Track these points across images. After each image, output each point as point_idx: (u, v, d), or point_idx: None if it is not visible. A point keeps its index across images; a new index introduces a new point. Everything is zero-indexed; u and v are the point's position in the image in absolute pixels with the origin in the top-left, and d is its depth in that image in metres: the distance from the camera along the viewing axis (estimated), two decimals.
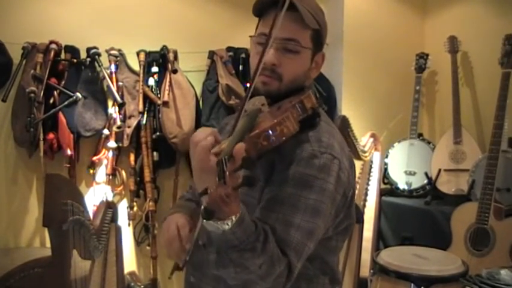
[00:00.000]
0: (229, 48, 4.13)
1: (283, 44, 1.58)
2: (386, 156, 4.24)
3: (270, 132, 1.38)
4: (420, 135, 4.26)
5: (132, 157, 3.90)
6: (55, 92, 3.63)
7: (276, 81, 1.60)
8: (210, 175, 1.25)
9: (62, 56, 3.73)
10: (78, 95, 3.60)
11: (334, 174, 1.52)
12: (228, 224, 1.27)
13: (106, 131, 3.76)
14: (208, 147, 1.30)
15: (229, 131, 1.47)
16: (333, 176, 1.52)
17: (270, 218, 1.46)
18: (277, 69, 1.59)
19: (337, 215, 1.60)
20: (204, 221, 1.28)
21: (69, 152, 3.61)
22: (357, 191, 3.87)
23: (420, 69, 4.34)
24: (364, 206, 3.86)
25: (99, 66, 3.73)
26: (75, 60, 3.73)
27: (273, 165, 1.55)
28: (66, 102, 3.58)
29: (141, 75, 3.85)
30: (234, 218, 1.27)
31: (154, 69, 3.91)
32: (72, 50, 3.74)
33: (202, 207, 1.22)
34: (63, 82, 3.68)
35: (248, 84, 1.55)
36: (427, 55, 4.35)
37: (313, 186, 1.49)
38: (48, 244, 3.06)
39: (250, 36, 1.69)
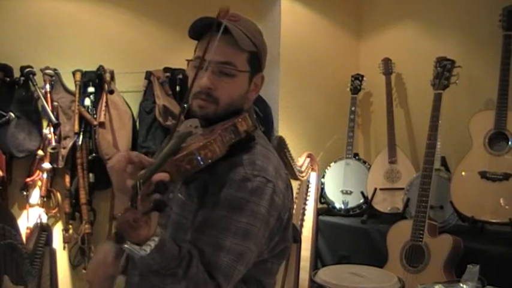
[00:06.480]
0: (166, 69, 4.11)
1: (219, 67, 1.58)
2: (323, 176, 4.28)
3: (194, 155, 1.38)
4: (356, 155, 4.32)
5: (67, 179, 3.83)
6: None
7: (212, 105, 1.59)
8: (125, 197, 1.27)
9: None
10: (11, 114, 3.53)
11: (267, 197, 1.52)
12: (145, 250, 1.26)
13: (40, 152, 3.68)
14: (121, 169, 1.39)
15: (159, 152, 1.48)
16: (265, 200, 1.52)
17: (200, 240, 1.46)
18: (213, 92, 1.58)
19: (272, 238, 1.60)
20: (125, 245, 1.27)
21: (0, 173, 3.52)
22: (294, 211, 3.87)
23: (355, 90, 4.41)
24: (302, 225, 3.87)
25: (34, 85, 3.66)
26: (8, 79, 3.65)
27: (207, 187, 1.55)
28: None
29: (77, 95, 3.81)
30: (152, 244, 1.27)
31: (91, 89, 3.87)
32: (5, 69, 3.66)
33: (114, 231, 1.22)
34: None
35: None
36: (362, 76, 4.43)
37: (244, 210, 1.49)
38: None
39: (187, 60, 1.68)
